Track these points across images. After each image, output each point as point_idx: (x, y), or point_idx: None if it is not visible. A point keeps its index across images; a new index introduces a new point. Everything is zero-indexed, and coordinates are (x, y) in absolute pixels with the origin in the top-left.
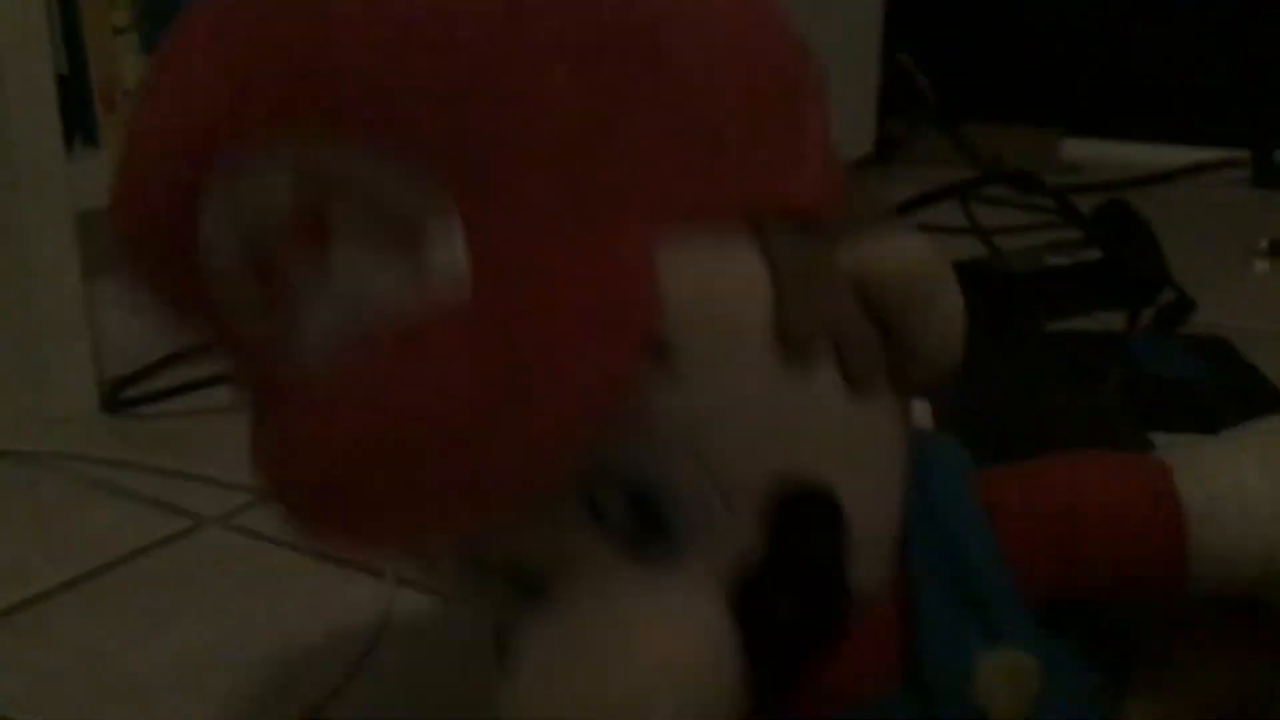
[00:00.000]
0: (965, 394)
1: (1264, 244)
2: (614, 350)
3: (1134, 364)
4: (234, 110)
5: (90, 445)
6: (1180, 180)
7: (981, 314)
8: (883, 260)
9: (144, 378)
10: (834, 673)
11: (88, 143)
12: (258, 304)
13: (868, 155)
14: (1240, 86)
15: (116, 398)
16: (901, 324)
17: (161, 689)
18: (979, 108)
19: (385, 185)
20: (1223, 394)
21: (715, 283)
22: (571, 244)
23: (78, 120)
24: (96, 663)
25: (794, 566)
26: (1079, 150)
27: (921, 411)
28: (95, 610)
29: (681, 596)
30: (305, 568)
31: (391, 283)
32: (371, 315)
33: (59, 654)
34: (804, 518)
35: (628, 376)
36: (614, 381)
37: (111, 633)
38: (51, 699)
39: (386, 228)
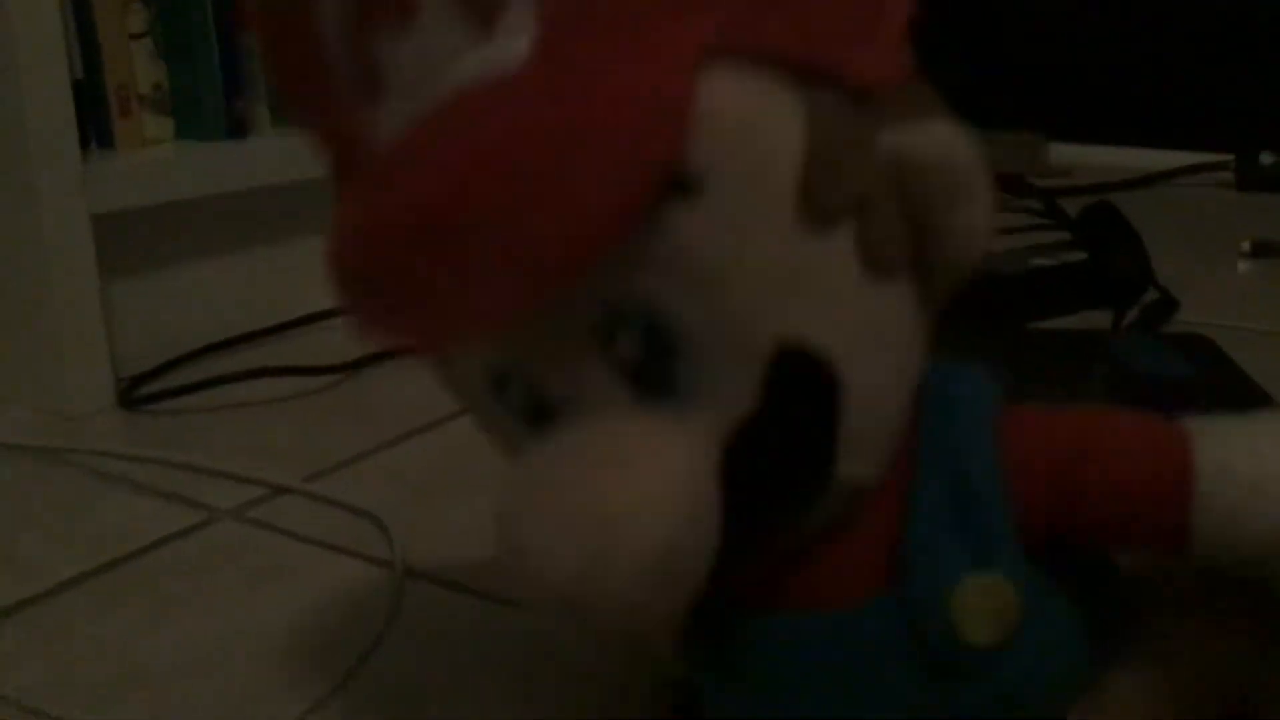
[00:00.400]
0: None
1: (1247, 245)
2: (638, 154)
3: (1118, 363)
4: None
5: (107, 441)
6: (1165, 183)
7: (968, 314)
8: (924, 146)
9: (159, 375)
10: (825, 570)
11: (103, 146)
12: (352, 78)
13: None
14: (1225, 91)
15: (132, 395)
16: (931, 215)
17: (175, 679)
18: (967, 112)
19: None
20: (1206, 392)
21: (753, 126)
22: (623, 50)
23: (93, 124)
24: (112, 654)
25: (783, 429)
26: (1066, 154)
27: None
28: (111, 602)
29: (676, 435)
30: (316, 560)
31: (463, 59)
32: (439, 91)
33: (75, 645)
34: (801, 382)
35: (648, 184)
36: (642, 180)
37: (127, 624)
38: (68, 690)
39: (467, 5)
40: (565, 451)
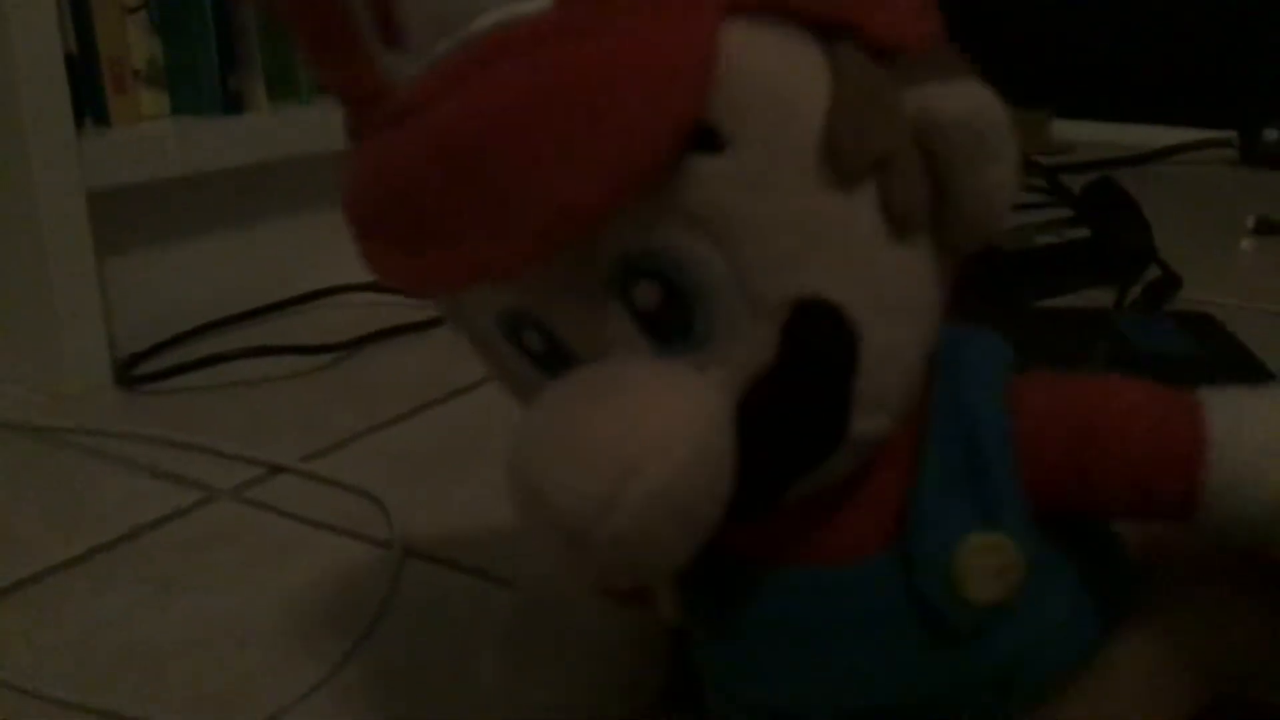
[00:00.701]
0: None
1: (1250, 221)
2: (661, 106)
3: (1121, 340)
4: None
5: (103, 420)
6: (1169, 159)
7: (971, 291)
8: (948, 104)
9: (157, 354)
10: (832, 526)
11: (98, 122)
12: (373, 28)
13: None
14: (1228, 67)
15: (130, 373)
16: (952, 174)
17: (173, 660)
18: None
19: None
20: (1209, 369)
21: (777, 81)
22: (646, 4)
23: (87, 100)
24: (109, 634)
25: (800, 382)
26: (1069, 130)
27: None
28: (108, 582)
29: (690, 379)
30: (314, 539)
31: (484, 9)
32: (461, 39)
33: (72, 626)
34: (818, 337)
35: (671, 137)
36: (665, 134)
37: (124, 604)
38: (64, 671)
39: None
40: (580, 392)
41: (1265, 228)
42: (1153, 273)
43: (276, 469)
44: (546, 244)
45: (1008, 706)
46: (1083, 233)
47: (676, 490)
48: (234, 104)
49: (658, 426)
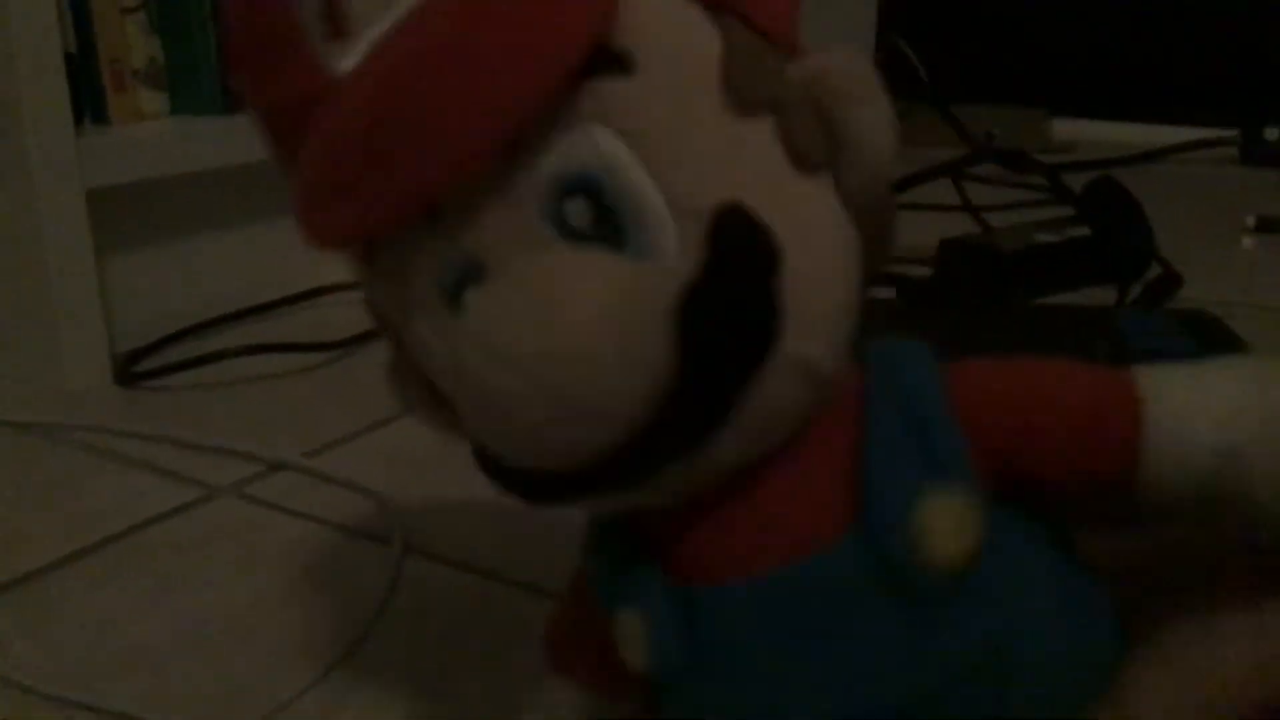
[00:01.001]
0: None
1: (1251, 220)
2: (566, 25)
3: (1121, 339)
4: None
5: (103, 418)
6: (1169, 158)
7: (972, 290)
8: (822, 59)
9: (156, 351)
10: (788, 525)
11: (97, 121)
12: (324, 36)
13: None
14: (1229, 66)
15: (129, 371)
16: (836, 119)
17: (172, 658)
18: (972, 89)
19: None
20: None
21: (676, 15)
22: None
23: (87, 99)
24: (109, 632)
25: (725, 282)
26: (1070, 129)
27: None
28: (108, 579)
29: (615, 270)
30: (316, 536)
31: None
32: (391, 21)
33: (72, 623)
34: (739, 237)
35: (577, 52)
36: (568, 55)
37: (124, 602)
38: (63, 669)
39: None
40: (513, 286)
41: (1266, 226)
42: (1153, 271)
43: (276, 466)
44: (473, 158)
45: (1009, 708)
46: (1083, 231)
47: (602, 380)
48: (233, 103)
49: (581, 314)
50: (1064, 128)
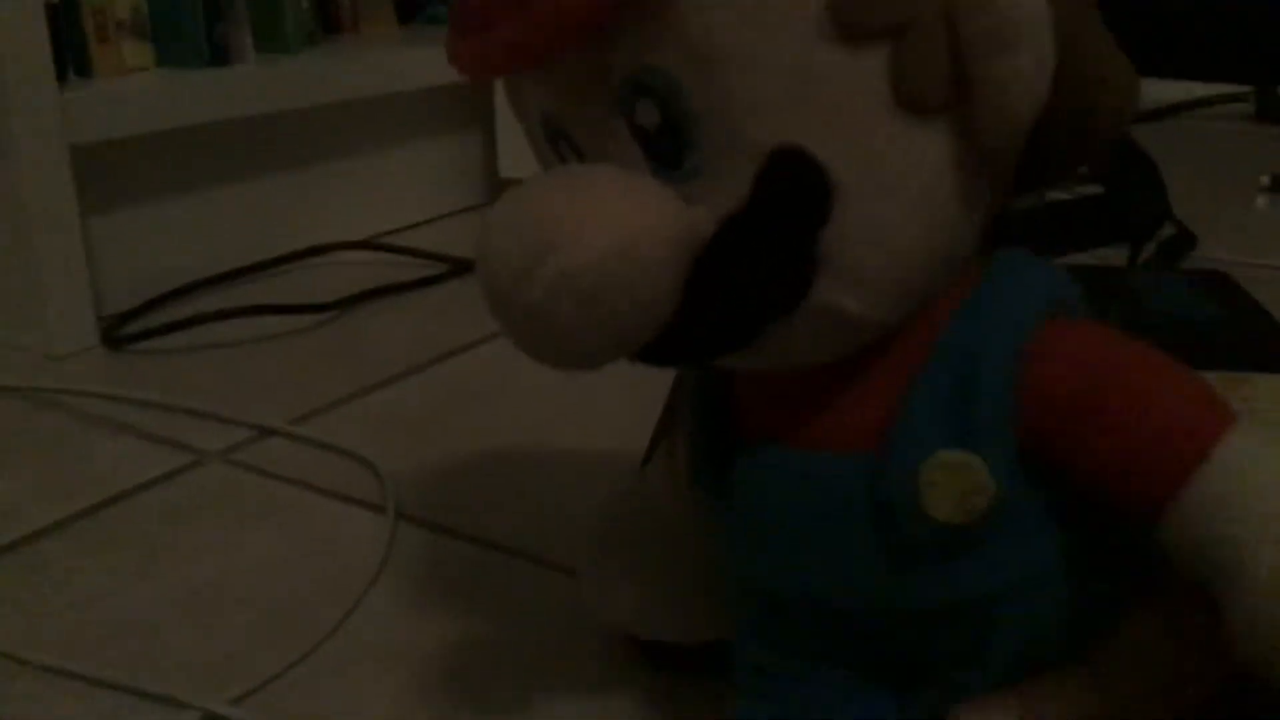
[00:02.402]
0: None
1: (1266, 179)
2: None
3: (1135, 299)
4: None
5: (91, 381)
6: (1183, 115)
7: (981, 249)
8: None
9: (143, 313)
10: (826, 416)
11: (80, 75)
12: None
13: None
14: (1244, 22)
15: (116, 334)
16: (974, 59)
17: (161, 627)
18: None
19: None
20: (1224, 328)
21: None
22: None
23: (70, 52)
24: (98, 599)
25: (763, 225)
26: None
27: None
28: (97, 546)
29: (651, 194)
30: (307, 502)
31: None
32: None
33: (62, 592)
34: (786, 182)
35: None
36: None
37: (113, 568)
38: (54, 637)
39: None
40: (547, 180)
41: None
42: (1167, 230)
43: (266, 431)
44: (556, 37)
45: (995, 658)
46: (1095, 189)
47: (588, 276)
48: (220, 56)
49: (590, 216)
50: None
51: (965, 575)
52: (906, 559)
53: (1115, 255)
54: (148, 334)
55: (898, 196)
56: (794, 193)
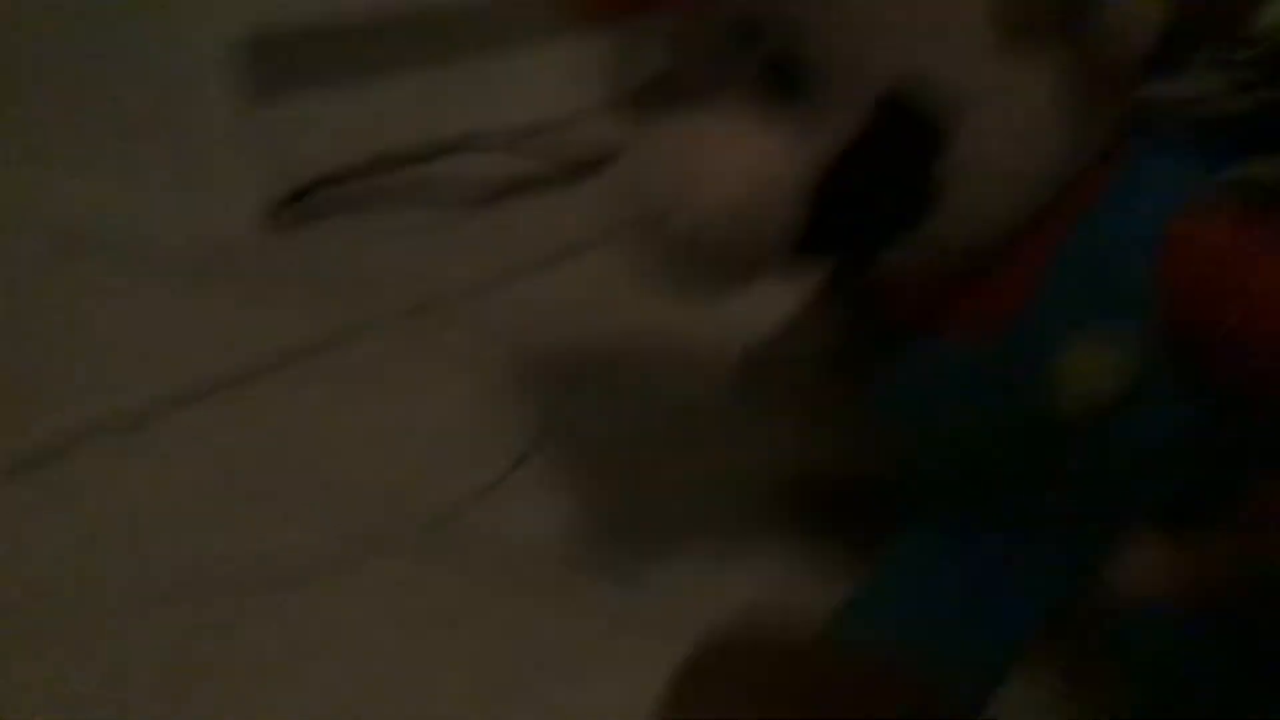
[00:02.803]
0: None
1: None
2: None
3: None
4: None
5: (249, 263)
6: None
7: None
8: None
9: (302, 199)
10: (971, 304)
11: None
12: None
13: None
14: None
15: (275, 218)
16: None
17: (351, 460)
18: None
19: None
20: None
21: None
22: None
23: None
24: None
25: (877, 162)
26: None
27: None
28: (263, 406)
29: (770, 138)
30: (484, 366)
31: None
32: None
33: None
34: (905, 122)
35: None
36: None
37: (281, 427)
38: (253, 483)
39: None
40: (687, 125)
41: None
42: None
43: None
44: None
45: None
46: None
47: (721, 213)
48: None
49: (721, 160)
50: None
51: (1106, 449)
52: (1050, 437)
53: None
54: (306, 218)
55: (1009, 127)
56: (909, 123)
